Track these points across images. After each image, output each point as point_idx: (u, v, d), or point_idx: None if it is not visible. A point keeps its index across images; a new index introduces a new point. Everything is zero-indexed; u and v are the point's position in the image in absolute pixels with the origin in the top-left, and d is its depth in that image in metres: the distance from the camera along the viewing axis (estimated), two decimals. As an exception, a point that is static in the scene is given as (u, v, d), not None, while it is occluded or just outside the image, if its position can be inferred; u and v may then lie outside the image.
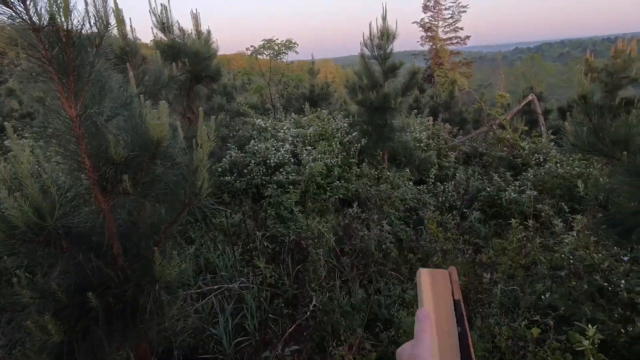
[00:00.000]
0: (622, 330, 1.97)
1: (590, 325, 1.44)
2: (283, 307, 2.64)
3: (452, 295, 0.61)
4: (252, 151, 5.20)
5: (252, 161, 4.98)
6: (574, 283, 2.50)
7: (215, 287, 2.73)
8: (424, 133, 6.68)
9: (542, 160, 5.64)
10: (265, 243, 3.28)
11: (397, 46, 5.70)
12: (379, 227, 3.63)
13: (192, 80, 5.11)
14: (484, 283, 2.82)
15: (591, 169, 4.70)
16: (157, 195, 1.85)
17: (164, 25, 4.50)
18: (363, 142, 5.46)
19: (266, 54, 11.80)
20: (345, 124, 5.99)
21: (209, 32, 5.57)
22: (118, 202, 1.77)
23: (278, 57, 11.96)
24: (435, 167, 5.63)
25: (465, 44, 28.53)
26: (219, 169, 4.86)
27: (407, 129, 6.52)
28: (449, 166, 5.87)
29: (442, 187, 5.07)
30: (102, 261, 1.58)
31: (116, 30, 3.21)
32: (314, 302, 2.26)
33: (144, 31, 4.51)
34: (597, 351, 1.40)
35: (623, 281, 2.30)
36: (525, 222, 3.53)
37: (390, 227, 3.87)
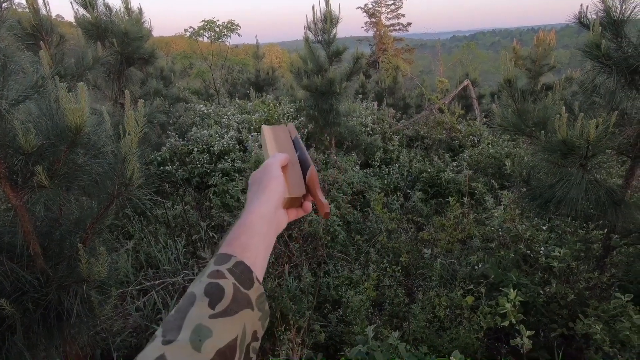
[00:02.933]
0: (541, 291, 2.19)
1: (512, 290, 1.58)
2: (231, 297, 2.59)
3: (290, 135, 0.74)
4: (195, 138, 4.96)
5: (195, 149, 4.75)
6: (503, 253, 2.74)
7: (157, 282, 2.59)
8: (370, 118, 6.83)
9: (476, 141, 6.04)
10: (210, 233, 3.17)
11: (343, 31, 5.70)
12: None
13: (123, 63, 4.70)
14: (425, 259, 2.99)
15: (517, 149, 5.14)
16: (82, 188, 1.69)
17: (86, 0, 4.05)
18: (310, 127, 5.44)
19: (207, 36, 11.18)
20: (291, 109, 5.93)
21: (140, 10, 5.14)
22: (35, 197, 1.58)
23: (220, 40, 11.40)
24: (381, 150, 5.80)
25: (407, 30, 29.40)
26: (159, 158, 4.58)
27: (354, 114, 6.61)
28: (394, 149, 6.07)
29: (387, 169, 5.24)
30: (16, 264, 1.41)
31: (26, 3, 2.82)
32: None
33: (69, 8, 4.00)
34: (519, 311, 1.55)
35: (542, 248, 2.56)
36: (462, 200, 3.78)
37: (338, 211, 3.94)
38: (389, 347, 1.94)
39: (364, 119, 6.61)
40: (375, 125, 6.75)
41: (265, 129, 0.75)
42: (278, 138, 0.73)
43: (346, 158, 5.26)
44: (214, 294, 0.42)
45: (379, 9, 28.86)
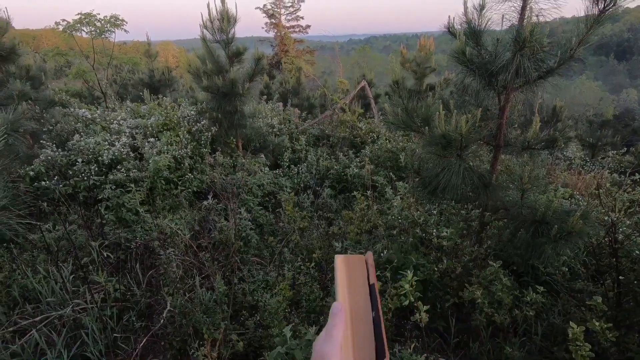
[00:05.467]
0: (435, 268, 2.48)
1: (409, 272, 1.76)
2: (135, 320, 2.35)
3: (368, 279, 0.60)
4: (78, 148, 4.35)
5: (79, 159, 4.16)
6: (403, 238, 3.01)
7: (38, 318, 2.21)
8: (276, 118, 6.85)
9: (375, 138, 6.53)
10: (105, 253, 2.82)
11: (243, 31, 5.61)
12: (237, 215, 3.58)
13: (-28, 60, 3.88)
14: (337, 252, 3.12)
15: (410, 143, 5.70)
16: None
17: None
18: (214, 130, 5.23)
19: (86, 31, 9.85)
20: (192, 112, 5.60)
21: (-9, -3, 4.29)
22: None
23: (103, 36, 10.16)
24: (289, 150, 5.86)
25: (307, 32, 30.24)
26: (31, 173, 3.89)
27: (259, 115, 6.56)
28: (301, 149, 6.20)
29: (296, 169, 5.33)
30: None
31: None
32: (168, 308, 2.07)
33: None
34: (417, 290, 1.73)
35: (435, 230, 2.89)
36: (366, 193, 4.05)
37: (249, 214, 3.87)
38: (307, 343, 1.98)
39: (270, 120, 6.60)
40: (282, 126, 6.80)
41: (339, 259, 0.60)
42: (353, 281, 0.59)
43: (254, 160, 5.19)
44: None
45: (278, 10, 29.09)
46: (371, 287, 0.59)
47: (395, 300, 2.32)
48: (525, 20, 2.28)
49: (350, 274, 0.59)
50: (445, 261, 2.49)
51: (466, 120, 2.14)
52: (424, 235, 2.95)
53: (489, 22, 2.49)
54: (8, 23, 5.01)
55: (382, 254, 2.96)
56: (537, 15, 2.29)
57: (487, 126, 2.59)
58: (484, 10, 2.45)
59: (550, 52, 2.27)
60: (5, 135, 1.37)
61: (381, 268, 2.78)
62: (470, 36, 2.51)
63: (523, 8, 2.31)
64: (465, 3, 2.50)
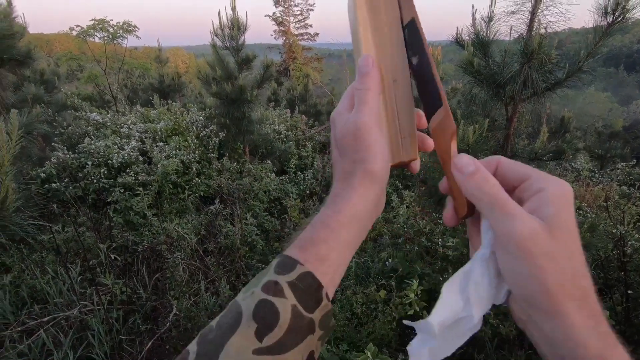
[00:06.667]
0: (440, 278, 2.47)
1: (415, 281, 1.76)
2: (140, 323, 2.36)
3: (401, 15, 0.40)
4: (88, 151, 4.42)
5: (89, 162, 4.23)
6: (408, 247, 3.01)
7: (46, 319, 2.24)
8: (283, 125, 6.90)
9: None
10: (112, 256, 2.85)
11: (252, 38, 5.69)
12: (243, 221, 3.60)
13: (-11, 64, 3.98)
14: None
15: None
16: None
17: None
18: (222, 136, 5.28)
19: (99, 36, 10.06)
20: (201, 117, 5.67)
21: (9, 3, 4.41)
22: None
23: (115, 41, 10.36)
24: (295, 157, 5.90)
25: (315, 40, 30.52)
26: (42, 175, 3.96)
27: (267, 121, 6.61)
28: (308, 155, 6.23)
29: (302, 175, 5.35)
30: None
31: None
32: (174, 311, 2.09)
33: None
34: (422, 299, 1.73)
35: (440, 240, 2.88)
36: (371, 201, 4.05)
37: (255, 220, 3.89)
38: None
39: (277, 127, 6.65)
40: (289, 132, 6.84)
41: None
42: (380, 22, 0.40)
43: (261, 166, 5.23)
44: (264, 318, 0.33)
45: (287, 18, 29.45)
46: (409, 24, 0.39)
47: (399, 309, 2.31)
48: (533, 32, 2.29)
49: (375, 11, 0.39)
50: (450, 271, 2.48)
51: (473, 131, 2.15)
52: (429, 244, 2.95)
53: (497, 34, 2.51)
54: (24, 28, 5.14)
55: (387, 263, 2.96)
56: (545, 27, 2.31)
57: (494, 136, 2.59)
58: (492, 22, 2.47)
59: (558, 64, 2.28)
60: (22, 139, 1.41)
61: (386, 277, 2.78)
62: (478, 47, 2.52)
63: (531, 20, 2.32)
64: (473, 14, 2.53)
